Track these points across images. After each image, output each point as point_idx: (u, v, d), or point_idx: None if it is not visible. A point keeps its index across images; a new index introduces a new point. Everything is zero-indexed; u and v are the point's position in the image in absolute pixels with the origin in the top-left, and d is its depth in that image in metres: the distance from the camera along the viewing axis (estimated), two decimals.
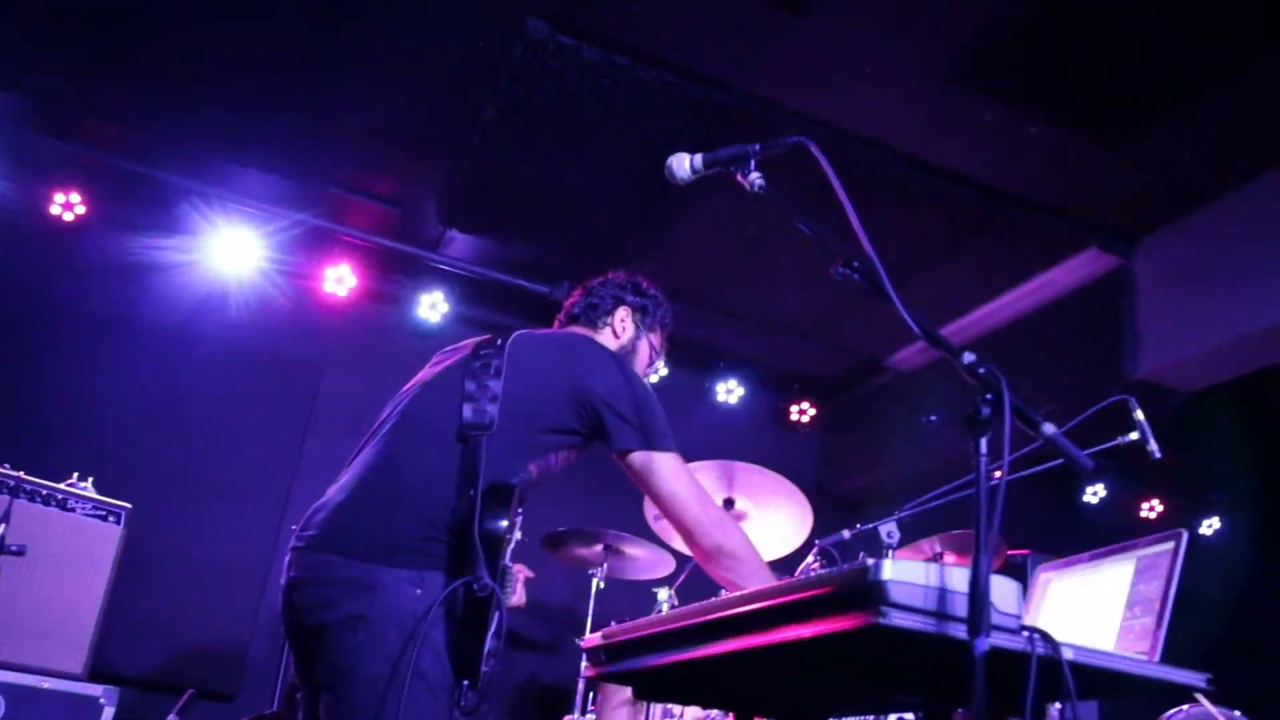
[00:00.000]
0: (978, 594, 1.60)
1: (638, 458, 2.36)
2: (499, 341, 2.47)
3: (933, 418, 6.74)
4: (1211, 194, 5.15)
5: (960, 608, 1.64)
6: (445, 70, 4.88)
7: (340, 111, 5.31)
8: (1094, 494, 8.20)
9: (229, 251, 6.03)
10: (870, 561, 1.67)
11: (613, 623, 2.54)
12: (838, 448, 7.73)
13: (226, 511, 5.89)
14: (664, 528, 4.91)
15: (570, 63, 4.54)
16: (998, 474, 1.68)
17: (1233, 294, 5.04)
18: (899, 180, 5.14)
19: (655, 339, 2.80)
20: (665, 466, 2.36)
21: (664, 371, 6.54)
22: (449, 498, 2.19)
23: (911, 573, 1.66)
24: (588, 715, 4.76)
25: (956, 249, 5.75)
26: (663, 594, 4.68)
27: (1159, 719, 5.40)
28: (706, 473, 4.62)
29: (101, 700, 3.89)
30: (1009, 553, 5.03)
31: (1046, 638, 1.73)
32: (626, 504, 4.87)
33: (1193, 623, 7.72)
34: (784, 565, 4.83)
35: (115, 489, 4.53)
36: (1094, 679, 1.94)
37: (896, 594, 1.63)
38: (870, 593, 1.64)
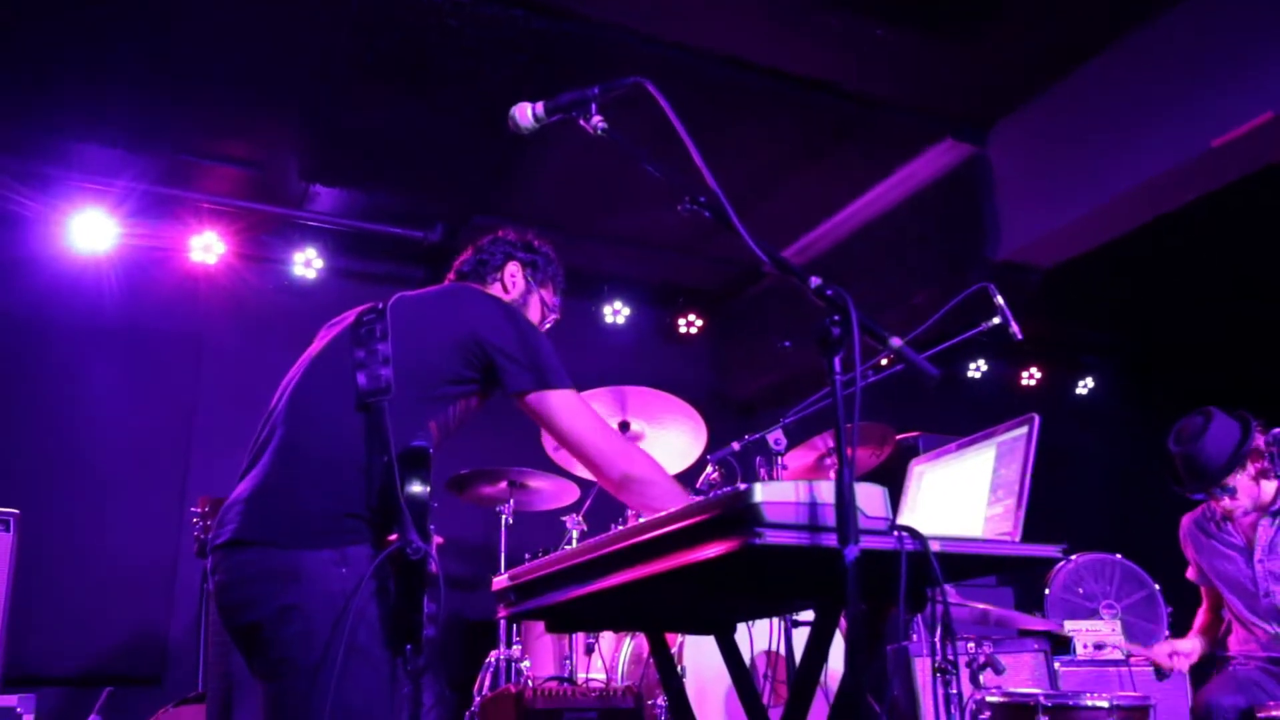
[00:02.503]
0: (843, 506, 1.70)
1: (533, 398, 2.36)
2: (380, 306, 2.43)
3: (786, 343, 6.92)
4: (1054, 76, 5.33)
5: (831, 519, 1.74)
6: (286, 24, 4.74)
7: (181, 75, 5.12)
8: (976, 370, 8.55)
9: (85, 234, 5.81)
10: (743, 486, 1.76)
11: (526, 555, 2.61)
12: (728, 356, 7.89)
13: (124, 498, 5.79)
14: (564, 457, 5.00)
15: (412, 8, 4.45)
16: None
17: (1082, 169, 5.25)
18: (756, 93, 5.20)
19: (547, 295, 2.77)
20: (562, 403, 2.37)
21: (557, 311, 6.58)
22: (361, 469, 2.18)
23: (783, 492, 1.76)
24: (514, 647, 4.87)
25: (818, 154, 5.86)
26: (571, 522, 4.79)
27: (1050, 573, 5.76)
28: (599, 400, 4.71)
29: (18, 709, 3.84)
30: (898, 437, 5.20)
31: (914, 534, 1.85)
32: (525, 440, 4.93)
33: (1076, 477, 8.22)
34: (683, 479, 4.97)
35: (1, 496, 4.41)
36: (963, 565, 2.09)
37: (770, 514, 1.73)
38: (746, 515, 1.73)
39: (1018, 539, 2.10)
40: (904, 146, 5.84)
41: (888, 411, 5.04)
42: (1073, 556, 5.81)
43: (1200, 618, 4.05)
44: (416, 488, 2.14)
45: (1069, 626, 5.24)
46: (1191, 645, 3.87)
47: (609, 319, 7.44)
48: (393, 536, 2.10)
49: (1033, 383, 8.85)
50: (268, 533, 2.14)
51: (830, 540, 1.73)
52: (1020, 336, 3.06)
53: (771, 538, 1.71)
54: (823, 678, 3.20)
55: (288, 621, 2.07)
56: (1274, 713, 3.02)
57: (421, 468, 2.16)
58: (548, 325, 2.78)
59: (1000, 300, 3.11)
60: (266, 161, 5.96)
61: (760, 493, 1.73)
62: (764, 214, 6.37)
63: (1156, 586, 5.67)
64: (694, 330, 7.75)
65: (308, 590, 2.08)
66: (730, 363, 7.87)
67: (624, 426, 4.78)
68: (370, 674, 2.07)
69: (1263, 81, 4.36)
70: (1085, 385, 9.08)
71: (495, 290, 2.67)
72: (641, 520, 2.06)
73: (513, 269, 2.70)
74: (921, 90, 5.35)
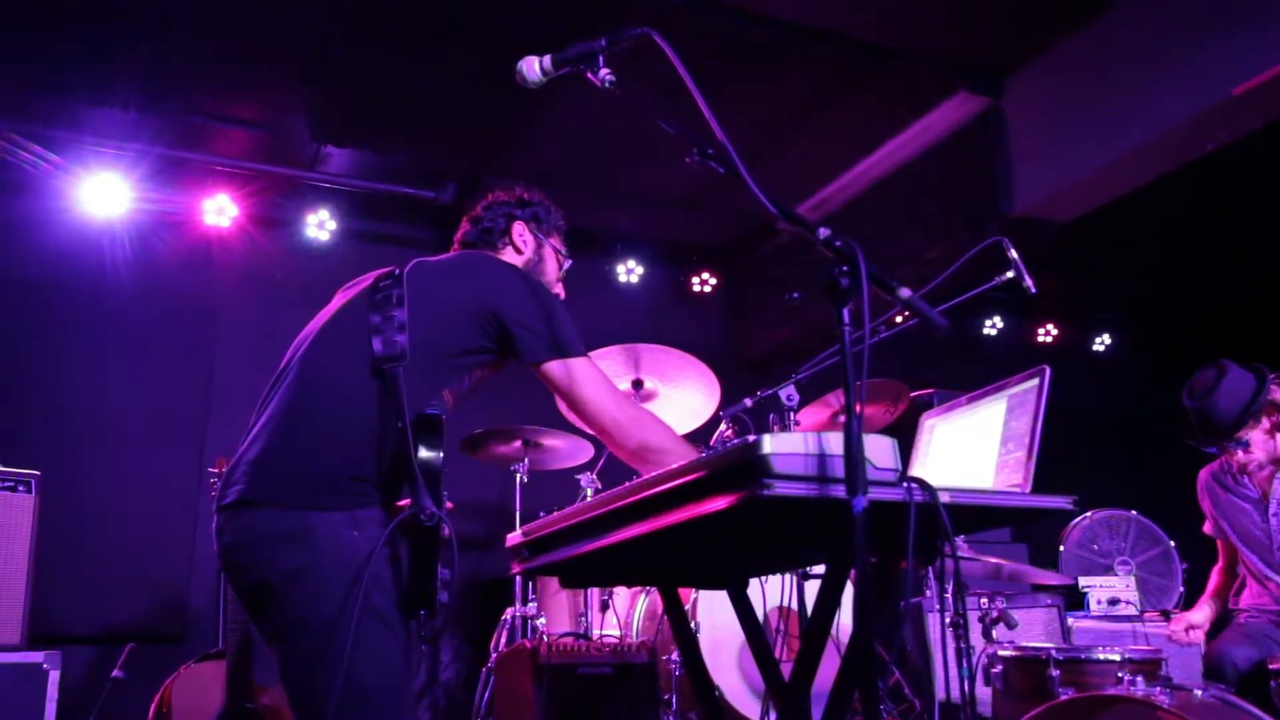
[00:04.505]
0: (851, 457, 1.69)
1: (550, 368, 2.36)
2: (397, 272, 2.42)
3: (794, 295, 6.88)
4: (1070, 26, 5.24)
5: (839, 470, 1.74)
6: None
7: (190, 37, 5.10)
8: (992, 326, 8.51)
9: (98, 198, 5.82)
10: (752, 438, 1.76)
11: (541, 514, 2.61)
12: (742, 313, 7.87)
13: (143, 460, 5.84)
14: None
15: None
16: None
17: (1098, 122, 5.17)
18: (768, 45, 5.14)
19: (556, 242, 2.76)
20: (578, 373, 2.37)
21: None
22: (374, 433, 2.17)
23: (792, 444, 1.76)
24: (529, 604, 4.91)
25: (831, 108, 5.80)
26: (585, 480, 4.81)
27: (1065, 529, 5.77)
28: (612, 358, 4.72)
29: (44, 665, 3.90)
30: (912, 394, 5.19)
31: (923, 485, 1.84)
32: (539, 398, 4.93)
33: (1092, 433, 8.19)
34: (697, 436, 4.99)
35: (21, 458, 4.45)
36: (972, 516, 2.09)
37: (779, 465, 1.73)
38: (755, 467, 1.73)
39: (1028, 490, 2.10)
40: (918, 99, 5.77)
41: (902, 369, 5.03)
42: (1088, 513, 5.82)
43: (1214, 579, 4.03)
44: (429, 454, 2.14)
45: (1083, 582, 5.26)
46: (1204, 615, 3.86)
47: (622, 278, 7.43)
48: (405, 501, 2.10)
49: (1049, 339, 8.81)
50: (277, 493, 2.14)
51: (839, 491, 1.72)
52: (1035, 290, 3.04)
53: (780, 489, 1.71)
54: (834, 631, 3.22)
55: (300, 582, 2.08)
56: None
57: (435, 434, 2.16)
58: (564, 270, 2.78)
59: (1014, 254, 3.09)
60: (277, 123, 5.94)
61: (769, 444, 1.73)
62: (777, 169, 6.32)
63: (1171, 543, 5.67)
64: (708, 288, 7.74)
65: (319, 551, 2.08)
66: (744, 320, 7.86)
67: (637, 385, 4.78)
68: (385, 633, 2.08)
69: None
70: (1102, 341, 9.03)
71: (508, 255, 2.66)
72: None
73: (519, 229, 2.68)
74: (936, 42, 5.28)
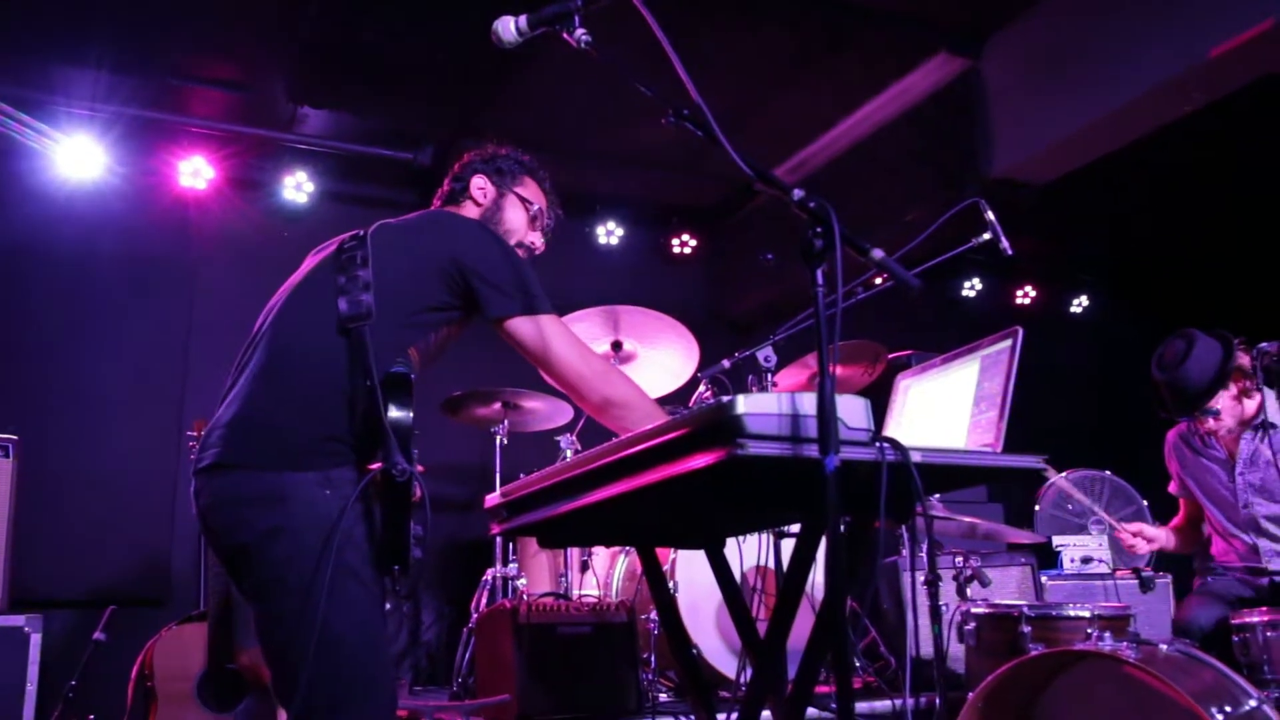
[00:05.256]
0: (824, 416, 1.71)
1: (513, 324, 2.35)
2: (361, 233, 2.42)
3: (768, 256, 6.88)
4: None
5: (812, 430, 1.76)
6: None
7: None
8: (971, 288, 8.53)
9: (73, 161, 5.75)
10: (725, 399, 1.78)
11: (521, 475, 2.63)
12: (722, 274, 7.88)
13: (122, 423, 5.83)
14: None
15: None
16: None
17: (1078, 83, 5.17)
18: (749, 4, 5.11)
19: (525, 190, 2.70)
20: (542, 329, 2.36)
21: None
22: (343, 394, 2.19)
23: (765, 404, 1.78)
24: (510, 564, 4.95)
25: (811, 68, 5.78)
26: (565, 441, 4.83)
27: (1040, 490, 5.84)
28: (591, 320, 4.73)
29: (26, 629, 3.91)
30: (890, 355, 5.23)
31: (895, 445, 1.87)
32: (518, 361, 4.93)
33: (1070, 394, 8.26)
34: (676, 397, 5.01)
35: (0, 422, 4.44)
36: (944, 475, 2.11)
37: (753, 425, 1.75)
38: (729, 427, 1.75)
39: (999, 450, 2.13)
40: (898, 60, 5.76)
41: (881, 330, 5.07)
42: (1063, 473, 5.89)
43: (1173, 523, 4.10)
44: (399, 412, 2.14)
45: (1057, 541, 5.34)
46: (1159, 533, 3.92)
47: (602, 239, 7.42)
48: (376, 465, 2.10)
49: (1027, 301, 8.85)
50: (251, 456, 2.15)
51: (812, 451, 1.74)
52: (1011, 252, 3.06)
53: (754, 449, 1.73)
54: (810, 589, 3.26)
55: (276, 543, 2.09)
56: (1249, 619, 3.08)
57: (403, 393, 2.16)
58: (544, 225, 2.74)
59: (991, 216, 3.10)
60: (254, 84, 5.89)
61: (743, 404, 1.74)
62: (758, 129, 6.31)
63: (1144, 502, 5.74)
64: (688, 250, 7.73)
65: (294, 512, 2.09)
66: (724, 281, 7.87)
67: (616, 346, 4.80)
68: (360, 591, 2.10)
69: None
70: (1080, 303, 9.08)
71: (468, 209, 2.65)
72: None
73: (478, 181, 2.67)
74: (916, 3, 5.26)
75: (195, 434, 4.40)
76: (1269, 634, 3.01)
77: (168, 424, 5.85)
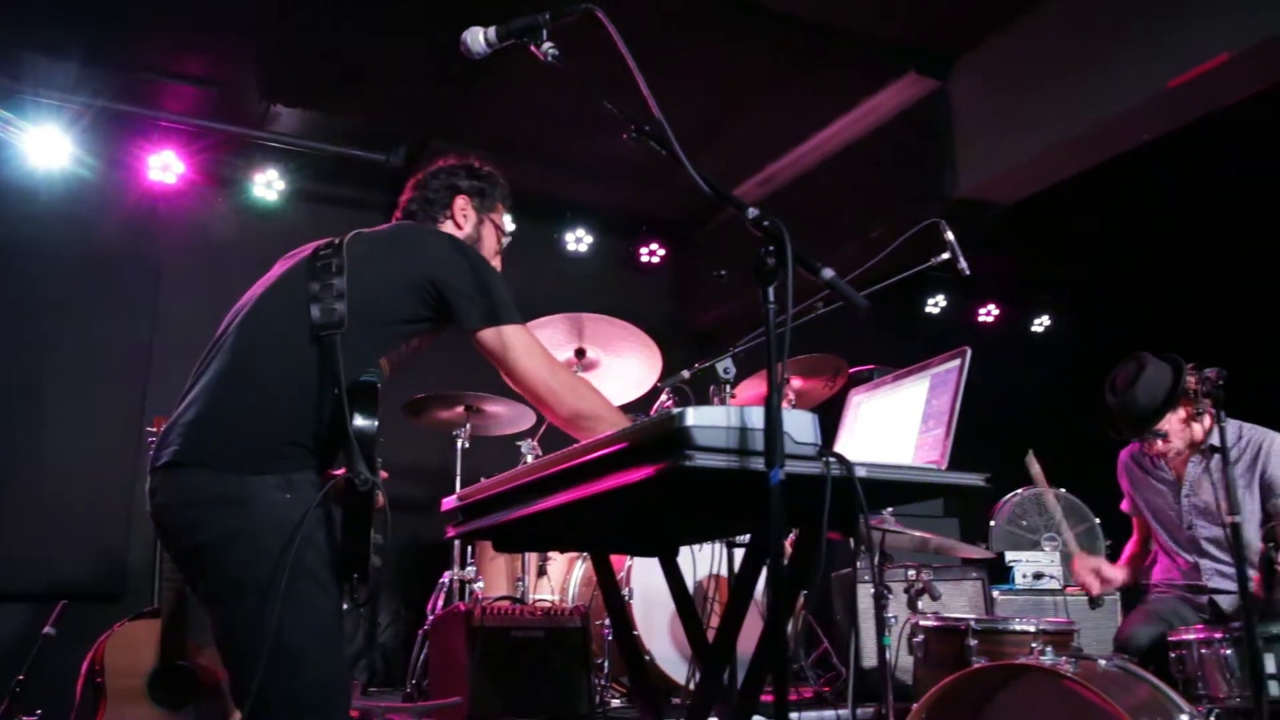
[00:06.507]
0: (771, 430, 1.75)
1: (486, 335, 2.37)
2: (336, 241, 2.43)
3: (722, 273, 6.92)
4: (1017, 12, 5.33)
5: (759, 443, 1.81)
6: None
7: None
8: (935, 304, 8.64)
9: (41, 151, 5.72)
10: (674, 410, 1.82)
11: (481, 479, 2.65)
12: (690, 285, 7.92)
13: (83, 419, 5.78)
14: None
15: None
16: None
17: (1041, 107, 5.27)
18: (721, 21, 5.17)
19: (498, 217, 2.75)
20: (513, 340, 2.39)
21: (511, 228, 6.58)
22: (310, 400, 2.19)
23: (713, 417, 1.82)
24: (468, 567, 4.97)
25: (783, 84, 5.85)
26: (525, 446, 4.86)
27: (996, 505, 5.92)
28: (555, 327, 4.77)
29: None
30: (853, 370, 5.29)
31: (841, 460, 1.92)
32: (482, 364, 4.96)
33: (1029, 412, 8.35)
34: (637, 406, 5.05)
35: None
36: (889, 490, 2.17)
37: (700, 437, 1.79)
38: (677, 439, 1.79)
39: (944, 467, 2.18)
40: (868, 79, 5.84)
41: (845, 345, 5.12)
42: (1018, 490, 5.98)
43: (1128, 549, 4.18)
44: (365, 422, 2.15)
45: (1010, 556, 5.42)
46: (1116, 574, 3.99)
47: (571, 246, 7.45)
48: (339, 471, 2.11)
49: (990, 319, 8.96)
50: (210, 456, 2.15)
51: (758, 464, 1.78)
52: (968, 272, 3.12)
53: (701, 460, 1.77)
54: (760, 599, 3.30)
55: (234, 545, 2.09)
56: (1185, 636, 3.16)
57: (370, 403, 2.17)
58: (504, 244, 2.78)
59: (950, 236, 3.15)
60: (226, 80, 5.87)
61: (691, 417, 1.79)
62: (729, 142, 6.37)
63: (1097, 520, 5.84)
64: (656, 259, 7.78)
65: (253, 515, 2.09)
66: (691, 292, 7.91)
67: (580, 354, 4.84)
68: (318, 594, 2.10)
69: (1220, 21, 4.39)
70: (1041, 323, 9.21)
71: (447, 228, 2.66)
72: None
73: (461, 203, 2.69)
74: (885, 23, 5.34)
75: (155, 430, 4.39)
76: (1203, 651, 3.09)
77: (129, 419, 5.81)
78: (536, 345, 2.43)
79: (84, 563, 5.68)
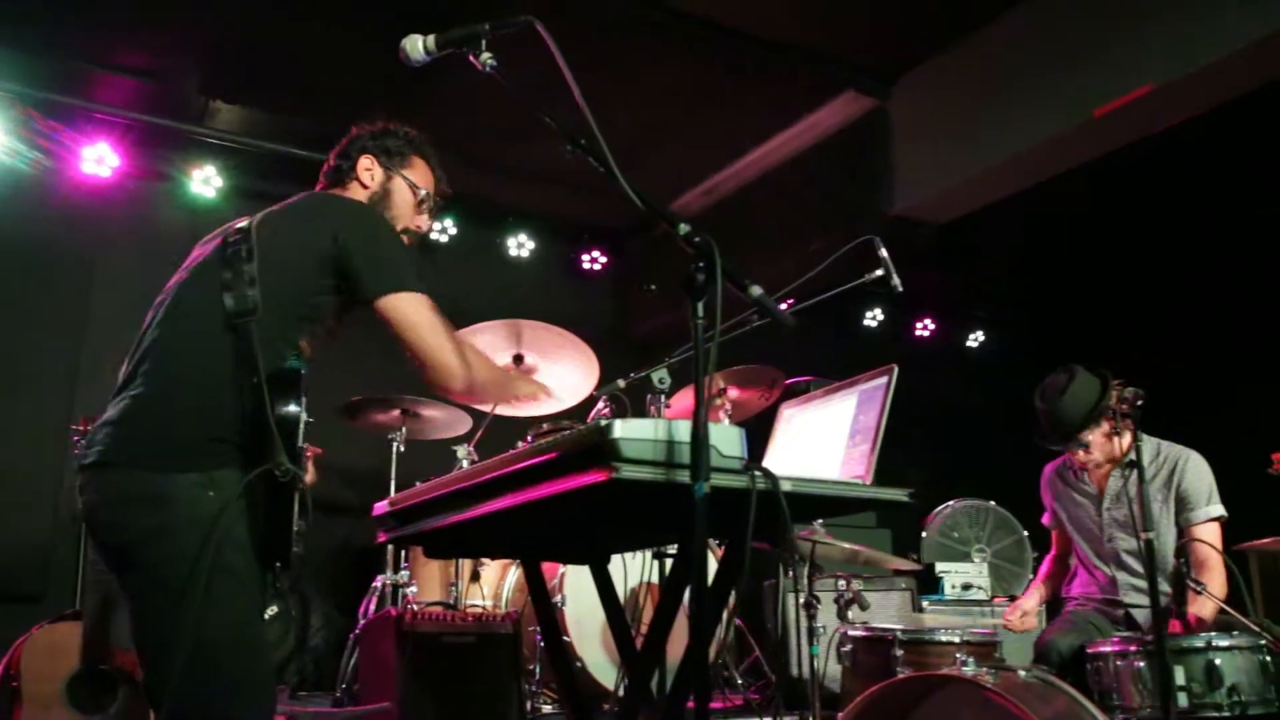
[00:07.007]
0: (697, 444, 1.78)
1: (382, 303, 2.28)
2: (247, 225, 2.36)
3: (651, 287, 6.95)
4: (956, 35, 5.45)
5: (686, 456, 1.83)
6: None
7: None
8: (873, 318, 8.76)
9: None
10: (603, 422, 1.84)
11: (417, 483, 2.65)
12: (630, 293, 7.96)
13: (8, 415, 5.67)
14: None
15: None
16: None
17: (976, 129, 5.39)
18: (664, 35, 5.21)
19: (413, 172, 2.63)
20: (407, 306, 2.29)
21: (449, 224, 6.54)
22: (230, 391, 2.16)
23: (641, 430, 1.85)
24: (401, 572, 4.94)
25: (726, 98, 5.92)
26: (462, 451, 4.84)
27: (928, 517, 6.03)
28: (494, 332, 4.75)
29: None
30: (789, 381, 5.34)
31: (766, 474, 1.95)
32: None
33: (963, 426, 8.48)
34: (574, 414, 5.06)
35: None
36: (814, 504, 2.21)
37: (628, 450, 1.81)
38: (605, 450, 1.81)
39: (868, 481, 2.22)
40: (809, 95, 5.92)
41: (783, 356, 5.18)
42: (950, 502, 6.09)
43: (1045, 567, 4.29)
44: (287, 409, 2.14)
45: (940, 568, 5.52)
46: (1034, 600, 4.11)
47: (513, 252, 7.43)
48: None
49: (927, 333, 9.11)
50: (135, 455, 2.14)
51: (685, 477, 1.81)
52: (901, 289, 3.17)
53: (628, 472, 1.79)
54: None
55: (156, 543, 2.09)
56: (1102, 648, 3.24)
57: (292, 389, 2.16)
58: (425, 199, 2.65)
59: (884, 253, 3.20)
60: (165, 73, 5.78)
61: (619, 429, 1.81)
62: (672, 152, 6.41)
63: (1025, 533, 5.98)
64: (598, 266, 7.81)
65: (175, 513, 2.09)
66: (631, 301, 7.95)
67: (518, 359, 4.83)
68: (239, 592, 2.10)
69: (1145, 53, 4.53)
70: (976, 338, 9.38)
71: (353, 190, 2.58)
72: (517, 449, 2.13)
73: (365, 162, 2.60)
74: (828, 40, 5.42)
75: (82, 429, 4.32)
76: (1119, 663, 3.17)
77: (57, 417, 5.69)
78: (430, 313, 2.33)
79: (5, 563, 5.56)
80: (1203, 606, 3.34)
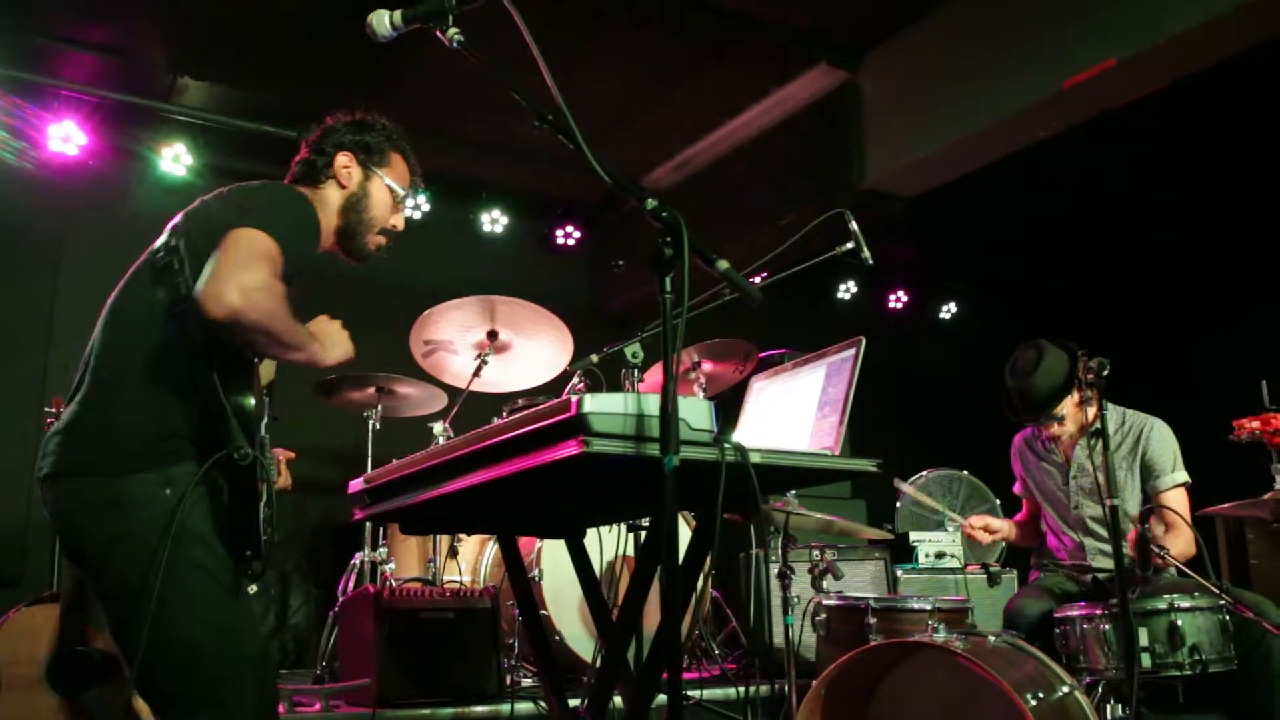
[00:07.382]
0: (666, 417, 1.80)
1: (229, 233, 2.04)
2: (179, 218, 2.29)
3: (619, 264, 6.93)
4: (927, 7, 5.46)
5: (656, 430, 1.85)
6: None
7: None
8: (846, 290, 8.81)
9: None
10: (573, 397, 1.86)
11: (393, 461, 2.66)
12: (604, 268, 7.94)
13: None
14: (433, 364, 5.06)
15: None
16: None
17: (945, 103, 5.42)
18: (637, 7, 5.19)
19: (393, 172, 2.52)
20: (242, 235, 2.04)
21: (423, 201, 6.51)
22: (178, 384, 2.11)
23: (611, 404, 1.87)
24: (379, 548, 4.95)
25: (698, 72, 5.91)
26: (438, 428, 4.85)
27: (903, 482, 6.08)
28: (468, 308, 4.77)
29: None
30: (763, 354, 5.37)
31: (735, 446, 1.98)
32: (394, 344, 4.97)
33: (935, 397, 8.56)
34: (548, 389, 5.08)
35: None
36: (783, 475, 2.25)
37: (598, 424, 1.83)
38: (575, 425, 1.84)
39: (836, 452, 2.26)
40: (780, 69, 5.92)
41: (757, 328, 5.20)
42: (924, 472, 6.15)
43: (1017, 517, 4.36)
44: (239, 393, 2.09)
45: (913, 537, 5.58)
46: (1003, 525, 4.17)
47: (487, 227, 7.42)
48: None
49: (899, 305, 9.16)
50: (86, 461, 2.11)
51: (654, 450, 1.83)
52: (871, 262, 3.20)
53: (599, 446, 1.81)
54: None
55: (118, 549, 2.06)
56: (1069, 613, 3.31)
57: (242, 372, 2.12)
58: (406, 199, 2.56)
59: (854, 226, 3.23)
60: (130, 49, 5.72)
61: (589, 403, 1.83)
62: (644, 127, 6.41)
63: (998, 500, 6.04)
64: (571, 242, 7.81)
65: (133, 516, 2.06)
66: (605, 275, 7.93)
67: (492, 336, 4.85)
68: (210, 587, 2.08)
69: (1113, 26, 4.57)
70: (948, 310, 9.44)
71: (329, 190, 2.46)
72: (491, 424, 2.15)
73: (343, 160, 2.47)
74: (798, 14, 5.43)
75: (55, 410, 4.29)
76: (1085, 627, 3.24)
77: (28, 400, 5.65)
78: (260, 252, 2.06)
79: None
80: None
